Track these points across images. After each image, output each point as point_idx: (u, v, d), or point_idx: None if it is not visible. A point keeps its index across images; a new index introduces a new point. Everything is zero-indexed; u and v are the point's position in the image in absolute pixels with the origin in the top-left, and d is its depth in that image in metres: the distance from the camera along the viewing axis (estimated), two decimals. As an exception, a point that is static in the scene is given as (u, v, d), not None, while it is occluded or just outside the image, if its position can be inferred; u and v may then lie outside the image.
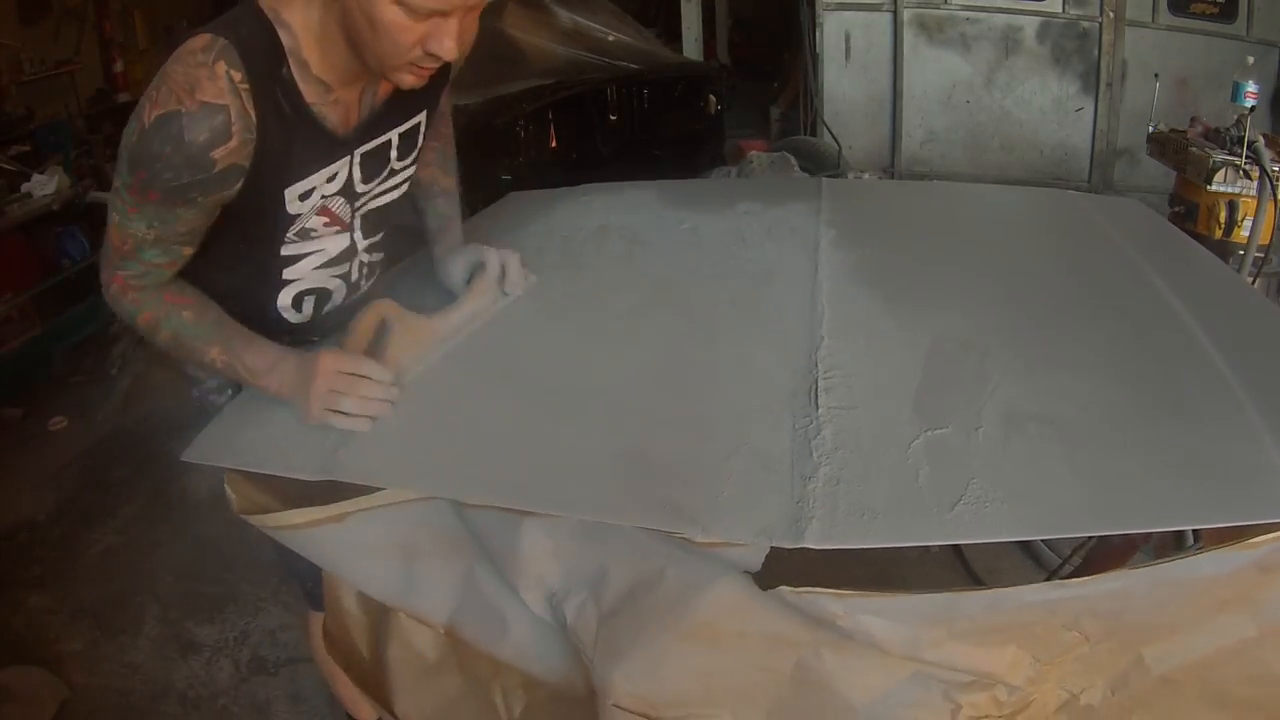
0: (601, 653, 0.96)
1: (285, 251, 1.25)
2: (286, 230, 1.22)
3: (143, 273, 1.16)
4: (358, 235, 1.33)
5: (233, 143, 1.06)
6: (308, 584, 1.46)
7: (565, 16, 4.85)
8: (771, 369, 1.18)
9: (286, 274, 1.28)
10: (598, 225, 1.72)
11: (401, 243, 1.57)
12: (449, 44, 1.05)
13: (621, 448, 1.06)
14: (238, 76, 1.05)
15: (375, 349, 1.21)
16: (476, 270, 1.40)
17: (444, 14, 1.04)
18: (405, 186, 1.36)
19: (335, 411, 1.13)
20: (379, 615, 1.21)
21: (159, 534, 2.69)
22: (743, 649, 0.94)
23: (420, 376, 1.24)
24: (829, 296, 1.36)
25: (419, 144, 1.34)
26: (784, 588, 0.87)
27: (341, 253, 1.32)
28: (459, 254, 1.43)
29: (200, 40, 1.06)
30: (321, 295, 1.35)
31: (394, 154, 1.29)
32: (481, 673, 1.14)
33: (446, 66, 1.31)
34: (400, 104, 1.25)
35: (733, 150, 5.08)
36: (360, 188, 1.27)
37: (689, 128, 4.83)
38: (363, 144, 1.23)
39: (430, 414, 1.17)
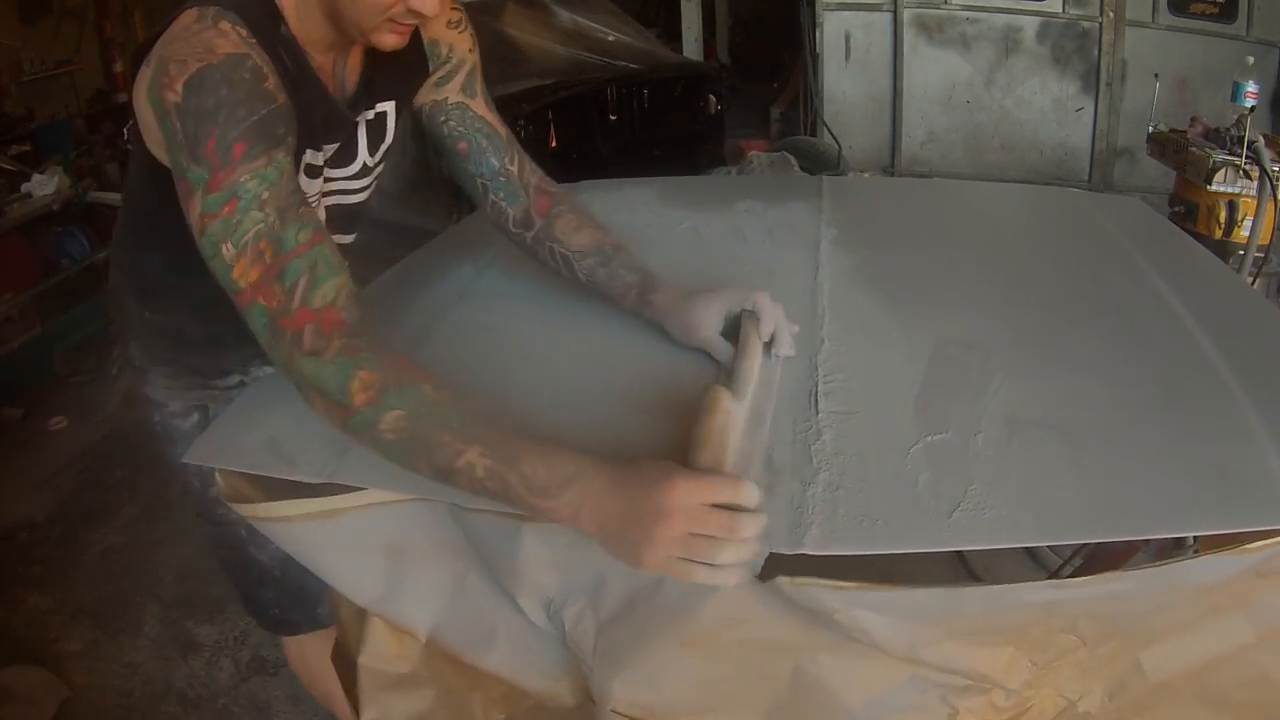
0: (600, 661, 0.96)
1: None
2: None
3: (309, 266, 0.89)
4: None
5: (271, 81, 0.94)
6: (273, 611, 1.39)
7: (565, 16, 4.85)
8: (770, 372, 1.18)
9: None
10: (597, 225, 1.72)
11: (390, 243, 1.52)
12: (431, 0, 0.99)
13: (620, 451, 1.06)
14: (243, 31, 0.95)
15: (723, 459, 0.89)
16: (741, 324, 1.13)
17: None
18: (373, 189, 1.28)
19: (697, 563, 0.80)
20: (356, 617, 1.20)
21: (159, 534, 2.69)
22: (741, 656, 0.93)
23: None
24: (829, 298, 1.36)
25: (387, 139, 1.25)
26: (782, 578, 0.86)
27: None
28: (707, 300, 1.15)
29: (187, 16, 0.96)
30: None
31: (364, 144, 1.20)
32: (459, 685, 1.13)
33: (424, 60, 1.24)
34: (368, 88, 1.18)
35: (733, 150, 5.08)
36: (327, 171, 1.18)
37: (689, 128, 4.83)
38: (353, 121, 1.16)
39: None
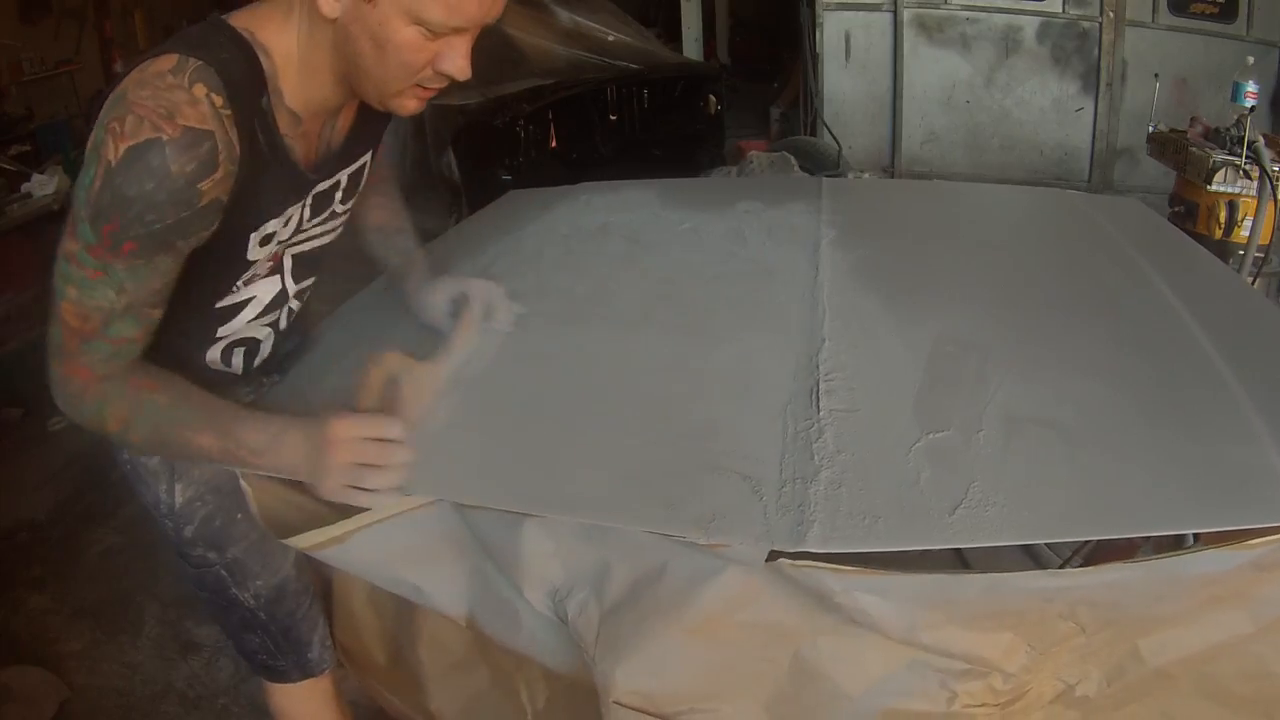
0: (603, 650, 0.96)
1: (222, 303, 1.13)
2: (239, 278, 1.11)
3: (111, 353, 0.97)
4: (289, 280, 1.19)
5: (218, 174, 0.93)
6: (260, 656, 1.35)
7: (565, 16, 4.85)
8: (772, 371, 1.18)
9: (220, 331, 1.16)
10: (598, 224, 1.72)
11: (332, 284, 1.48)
12: (462, 63, 0.98)
13: (622, 450, 1.06)
14: (219, 101, 0.91)
15: (387, 406, 1.09)
16: (459, 304, 1.30)
17: (460, 31, 0.96)
18: (340, 230, 1.25)
19: (358, 488, 0.99)
20: (400, 616, 1.21)
21: (159, 534, 2.68)
22: (742, 642, 0.94)
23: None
24: (830, 297, 1.36)
25: (361, 185, 1.23)
26: (783, 560, 0.87)
27: (273, 299, 1.19)
28: (436, 287, 1.32)
29: (167, 60, 0.91)
30: (251, 346, 1.22)
31: (339, 195, 1.18)
32: (505, 666, 1.14)
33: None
34: (353, 143, 1.16)
35: (733, 150, 5.09)
36: (303, 225, 1.15)
37: (689, 128, 4.83)
38: (318, 184, 1.12)
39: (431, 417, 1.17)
